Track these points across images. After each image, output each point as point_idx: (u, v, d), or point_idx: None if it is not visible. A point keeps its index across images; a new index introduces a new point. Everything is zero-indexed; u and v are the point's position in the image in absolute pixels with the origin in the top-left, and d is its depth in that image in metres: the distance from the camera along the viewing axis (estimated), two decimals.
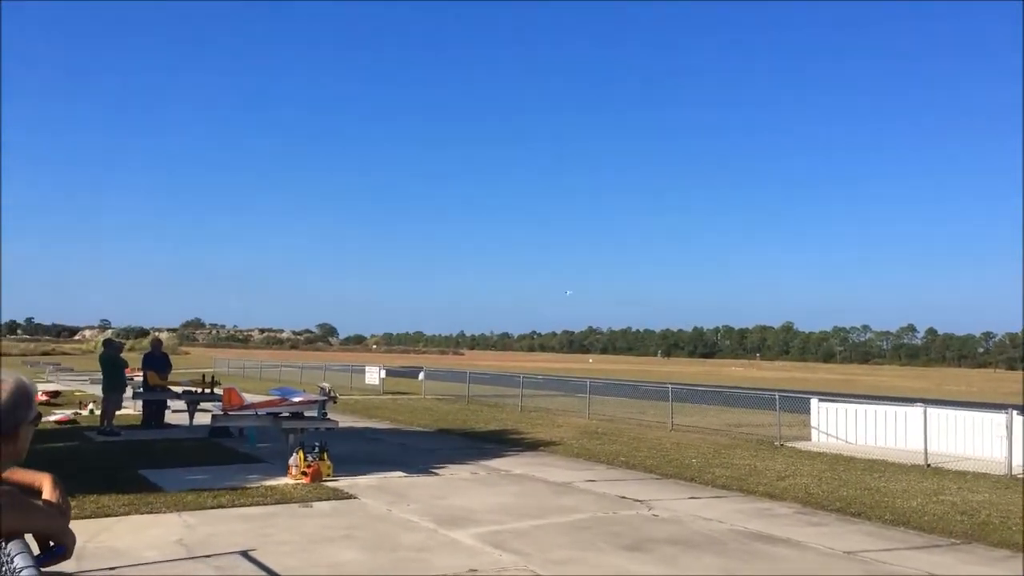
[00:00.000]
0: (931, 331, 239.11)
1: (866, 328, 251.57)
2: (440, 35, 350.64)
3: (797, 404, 20.26)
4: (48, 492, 2.53)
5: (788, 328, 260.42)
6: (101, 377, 17.85)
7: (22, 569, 1.83)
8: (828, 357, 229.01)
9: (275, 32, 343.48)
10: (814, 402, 19.28)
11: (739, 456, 15.79)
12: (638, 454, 15.64)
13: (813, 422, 18.95)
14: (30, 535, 2.23)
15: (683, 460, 14.99)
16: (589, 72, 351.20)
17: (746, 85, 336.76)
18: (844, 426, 18.32)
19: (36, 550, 2.18)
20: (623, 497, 11.25)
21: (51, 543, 2.30)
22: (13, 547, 2.02)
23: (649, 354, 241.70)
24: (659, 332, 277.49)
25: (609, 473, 13.54)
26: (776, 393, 21.05)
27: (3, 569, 2.06)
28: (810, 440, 18.52)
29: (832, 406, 19.00)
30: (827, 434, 18.42)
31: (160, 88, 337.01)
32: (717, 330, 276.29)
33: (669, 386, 23.48)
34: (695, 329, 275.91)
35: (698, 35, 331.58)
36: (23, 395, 2.45)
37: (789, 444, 17.90)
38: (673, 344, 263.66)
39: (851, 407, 18.76)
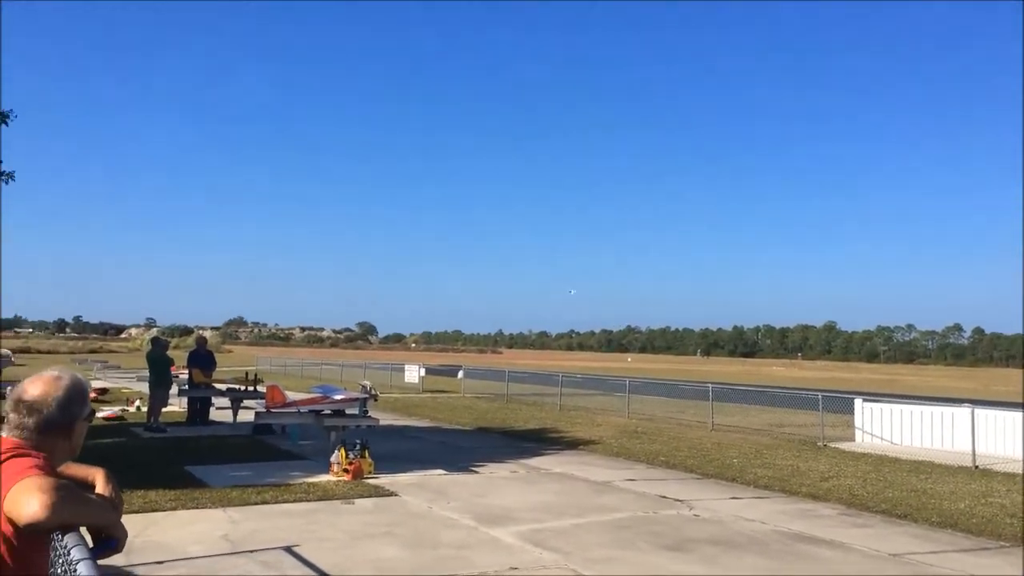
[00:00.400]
0: (978, 330, 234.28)
1: (911, 327, 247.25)
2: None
3: (840, 404, 19.98)
4: (101, 486, 2.60)
5: (830, 327, 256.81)
6: (148, 374, 18.18)
7: (78, 561, 1.88)
8: (871, 357, 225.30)
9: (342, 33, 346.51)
10: (858, 402, 19.01)
11: (781, 456, 15.62)
12: (678, 454, 15.54)
13: (857, 422, 18.68)
14: (84, 528, 2.29)
15: (724, 460, 14.86)
16: (630, 61, 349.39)
17: (783, 78, 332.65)
18: (889, 427, 18.03)
19: (89, 543, 2.24)
20: (663, 497, 11.19)
21: (103, 536, 2.36)
22: (69, 540, 2.07)
23: (688, 353, 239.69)
24: (698, 331, 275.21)
25: (649, 472, 13.47)
26: (819, 393, 20.78)
27: (59, 561, 2.12)
28: (854, 441, 18.26)
29: (877, 406, 18.72)
30: (871, 435, 18.15)
31: (208, 88, 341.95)
32: (757, 329, 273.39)
33: (709, 385, 23.29)
34: (735, 328, 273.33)
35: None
36: (78, 392, 2.52)
37: (832, 445, 17.66)
38: (713, 343, 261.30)
39: (896, 407, 18.46)
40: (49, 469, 2.33)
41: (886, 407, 18.62)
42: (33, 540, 2.25)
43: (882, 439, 17.84)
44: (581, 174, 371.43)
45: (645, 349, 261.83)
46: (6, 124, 12.72)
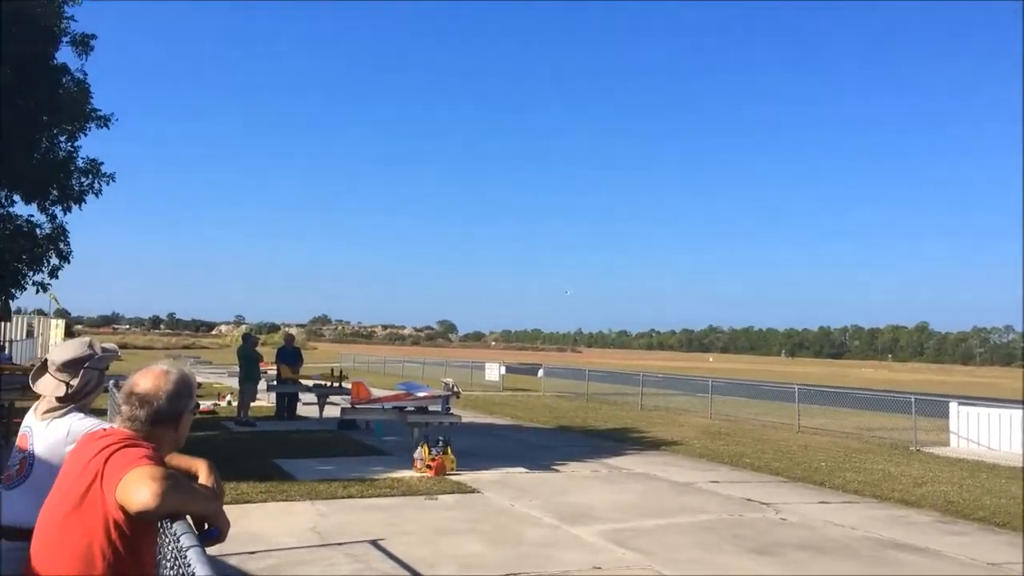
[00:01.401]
0: None
1: (1009, 329, 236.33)
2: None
3: (934, 408, 19.30)
4: (204, 477, 2.69)
5: (923, 328, 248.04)
6: (238, 370, 18.72)
7: (188, 548, 1.95)
8: (967, 359, 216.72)
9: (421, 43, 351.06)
10: (953, 406, 18.33)
11: (871, 461, 15.17)
12: (763, 456, 15.24)
13: (952, 427, 18.02)
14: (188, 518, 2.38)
15: (811, 463, 14.51)
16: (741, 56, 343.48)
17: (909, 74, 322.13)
18: (987, 432, 17.33)
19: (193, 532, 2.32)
20: (749, 499, 10.99)
21: (206, 526, 2.44)
22: (178, 527, 2.15)
23: (772, 354, 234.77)
24: (783, 331, 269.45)
25: (733, 474, 13.25)
26: (911, 396, 20.11)
27: (169, 548, 2.20)
28: (948, 445, 17.62)
29: (973, 410, 18.02)
30: (968, 439, 17.48)
31: (291, 89, 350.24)
32: (845, 330, 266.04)
33: (795, 386, 22.80)
34: (821, 328, 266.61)
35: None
36: (186, 385, 2.62)
37: (926, 449, 17.08)
38: (798, 344, 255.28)
39: (995, 412, 17.72)
40: (158, 459, 2.42)
41: (983, 411, 17.90)
42: (142, 527, 2.35)
43: (979, 444, 17.16)
44: (658, 170, 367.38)
45: (727, 349, 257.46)
46: (107, 127, 13.24)
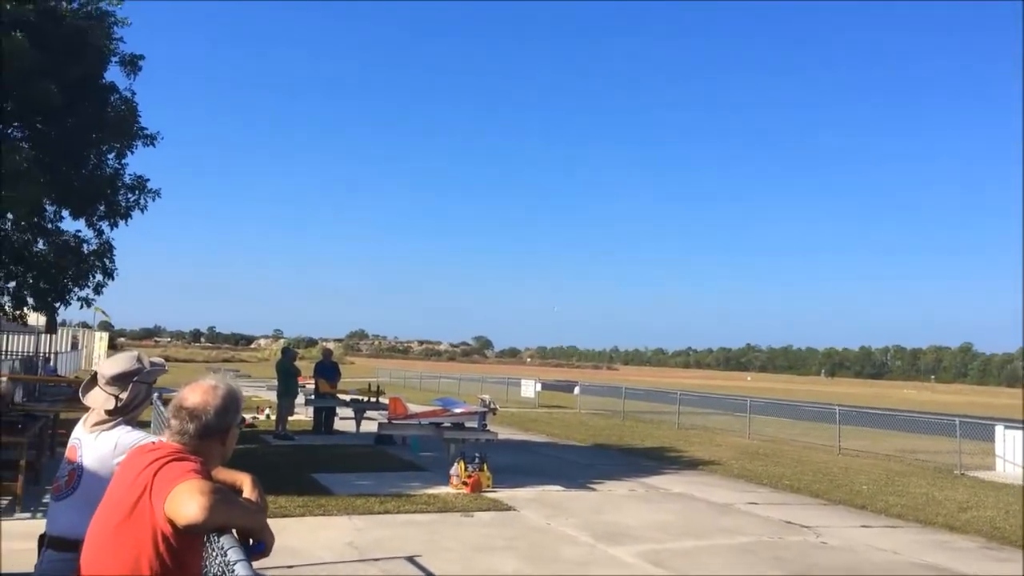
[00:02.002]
0: None
1: None
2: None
3: (979, 431, 18.88)
4: (248, 491, 2.72)
5: (966, 349, 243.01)
6: (276, 384, 18.90)
7: (236, 562, 1.97)
8: (1012, 381, 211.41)
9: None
10: (999, 429, 17.92)
11: (915, 484, 14.88)
12: (803, 477, 15.02)
13: (998, 450, 17.61)
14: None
15: (852, 486, 14.28)
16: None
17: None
18: None
19: None
20: (789, 522, 10.83)
21: (252, 540, 2.47)
22: (225, 541, 2.17)
23: (811, 373, 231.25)
24: (822, 351, 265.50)
25: (773, 496, 13.07)
26: (955, 418, 19.69)
27: (216, 562, 2.23)
28: (994, 470, 17.23)
29: (1020, 434, 17.58)
30: (1014, 464, 17.06)
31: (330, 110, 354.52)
32: (886, 349, 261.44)
33: (835, 407, 22.47)
34: (862, 348, 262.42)
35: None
36: (233, 400, 2.66)
37: (970, 473, 16.72)
38: (838, 364, 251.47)
39: None
40: (206, 473, 2.46)
41: None
42: (190, 540, 2.38)
43: None
44: (697, 186, 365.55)
45: (765, 368, 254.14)
46: (153, 145, 13.50)
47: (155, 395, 5.62)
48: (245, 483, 2.77)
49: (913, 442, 22.09)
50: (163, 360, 3.68)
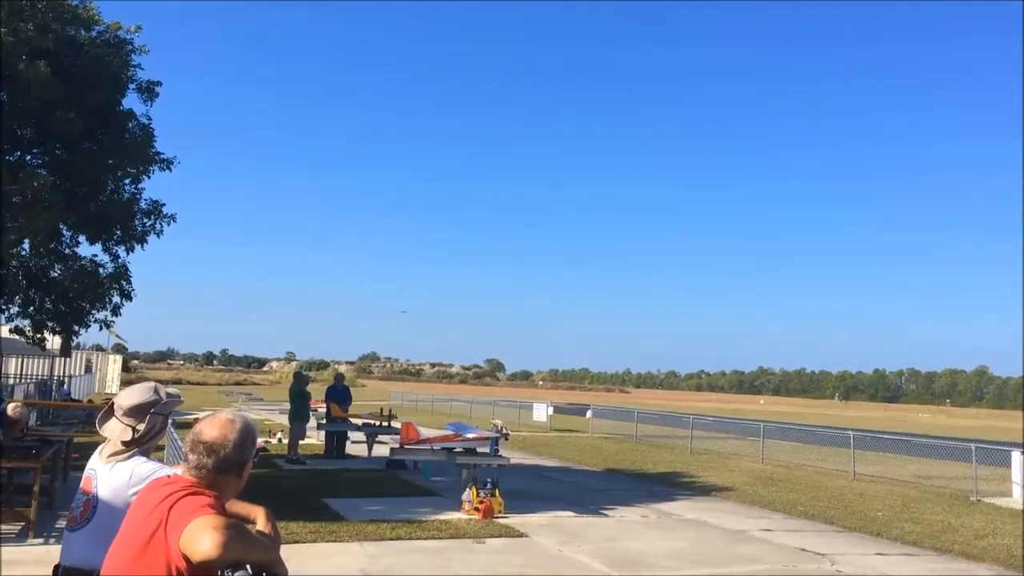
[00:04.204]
0: None
1: None
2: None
3: (995, 456, 18.70)
4: (262, 524, 2.74)
5: (982, 372, 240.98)
6: (288, 407, 18.92)
7: None
8: None
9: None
10: (1016, 454, 17.71)
11: (930, 511, 14.74)
12: (817, 504, 14.90)
13: (1015, 476, 17.40)
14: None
15: (867, 512, 14.15)
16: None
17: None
18: None
19: None
20: (803, 549, 10.74)
21: (264, 574, 2.48)
22: None
23: (825, 397, 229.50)
24: (836, 374, 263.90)
25: (787, 523, 12.97)
26: (971, 444, 19.52)
27: None
28: (1011, 496, 17.01)
29: None
30: None
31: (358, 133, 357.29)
32: (901, 373, 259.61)
33: (850, 432, 22.30)
34: (876, 371, 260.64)
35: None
36: (250, 434, 2.69)
37: (987, 500, 16.54)
38: (852, 387, 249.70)
39: None
40: (221, 508, 2.48)
41: None
42: (204, 575, 2.40)
43: None
44: (709, 210, 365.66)
45: (778, 391, 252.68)
46: (170, 170, 13.65)
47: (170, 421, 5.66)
48: (259, 516, 2.79)
49: (928, 467, 21.91)
50: (179, 392, 3.72)
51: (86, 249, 13.69)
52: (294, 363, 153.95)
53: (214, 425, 2.64)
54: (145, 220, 13.40)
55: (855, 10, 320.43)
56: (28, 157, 12.48)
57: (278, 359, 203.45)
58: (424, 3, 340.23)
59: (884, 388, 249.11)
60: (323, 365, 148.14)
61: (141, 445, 3.35)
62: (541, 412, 36.60)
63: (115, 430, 3.33)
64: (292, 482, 14.38)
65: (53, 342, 17.04)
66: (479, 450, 14.04)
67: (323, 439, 19.72)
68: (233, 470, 2.63)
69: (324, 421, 19.42)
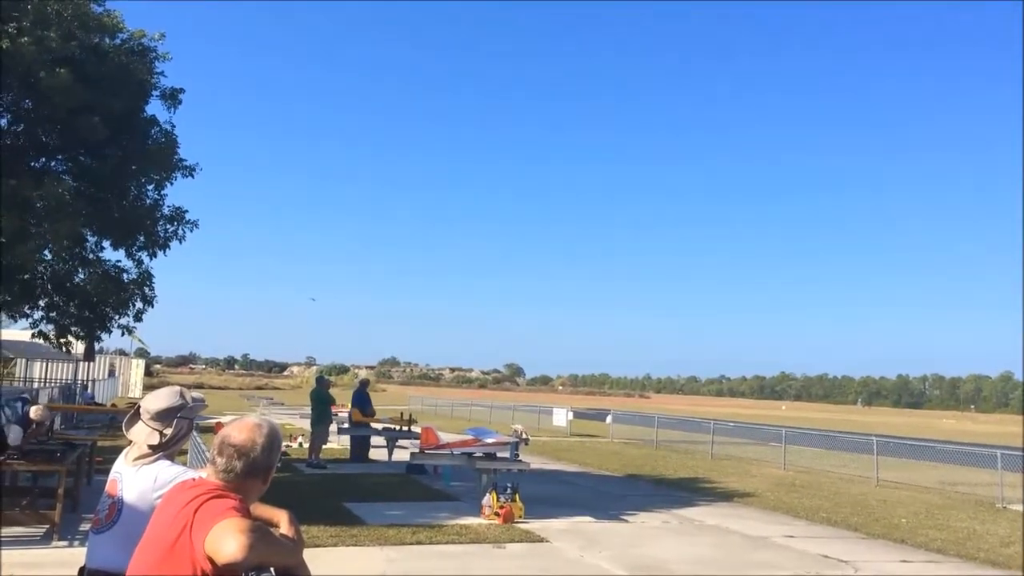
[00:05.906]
0: None
1: None
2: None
3: (1020, 462, 18.47)
4: (285, 527, 2.76)
5: (1007, 378, 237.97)
6: (310, 412, 19.03)
7: None
8: None
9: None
10: None
11: (955, 518, 14.59)
12: (840, 510, 14.78)
13: None
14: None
15: (891, 519, 14.03)
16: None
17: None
18: None
19: None
20: (826, 556, 10.66)
21: None
22: None
23: (847, 403, 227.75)
24: (858, 379, 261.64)
25: (809, 529, 12.87)
26: (997, 450, 19.31)
27: None
28: None
29: None
30: None
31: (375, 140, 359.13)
32: (924, 378, 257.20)
33: (873, 438, 22.13)
34: (899, 377, 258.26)
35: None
36: (278, 439, 2.72)
37: (1013, 507, 16.35)
38: (875, 392, 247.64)
39: None
40: (246, 511, 2.50)
41: None
42: None
43: None
44: (732, 213, 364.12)
45: (800, 397, 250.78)
46: (192, 177, 13.77)
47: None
48: (282, 519, 2.80)
49: (953, 473, 21.68)
50: (203, 396, 3.75)
51: (110, 254, 13.83)
52: (315, 368, 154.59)
53: (243, 429, 2.66)
54: (168, 226, 13.51)
55: (858, 10, 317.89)
56: (52, 163, 12.63)
57: (298, 363, 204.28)
58: (459, 26, 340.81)
59: (907, 393, 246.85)
60: (343, 370, 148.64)
61: (167, 449, 3.38)
62: (561, 417, 36.53)
63: (142, 434, 3.36)
64: (313, 486, 14.44)
65: (77, 347, 17.19)
66: (499, 455, 14.05)
67: (344, 443, 19.84)
68: (260, 474, 2.65)
69: (346, 426, 19.54)
